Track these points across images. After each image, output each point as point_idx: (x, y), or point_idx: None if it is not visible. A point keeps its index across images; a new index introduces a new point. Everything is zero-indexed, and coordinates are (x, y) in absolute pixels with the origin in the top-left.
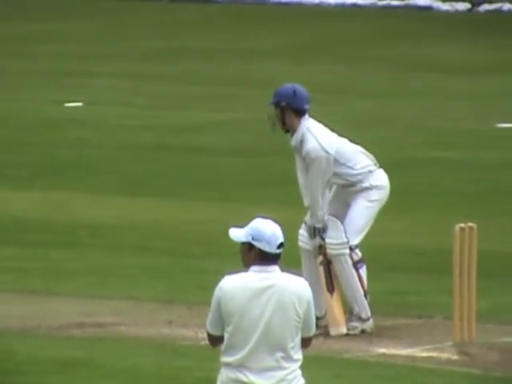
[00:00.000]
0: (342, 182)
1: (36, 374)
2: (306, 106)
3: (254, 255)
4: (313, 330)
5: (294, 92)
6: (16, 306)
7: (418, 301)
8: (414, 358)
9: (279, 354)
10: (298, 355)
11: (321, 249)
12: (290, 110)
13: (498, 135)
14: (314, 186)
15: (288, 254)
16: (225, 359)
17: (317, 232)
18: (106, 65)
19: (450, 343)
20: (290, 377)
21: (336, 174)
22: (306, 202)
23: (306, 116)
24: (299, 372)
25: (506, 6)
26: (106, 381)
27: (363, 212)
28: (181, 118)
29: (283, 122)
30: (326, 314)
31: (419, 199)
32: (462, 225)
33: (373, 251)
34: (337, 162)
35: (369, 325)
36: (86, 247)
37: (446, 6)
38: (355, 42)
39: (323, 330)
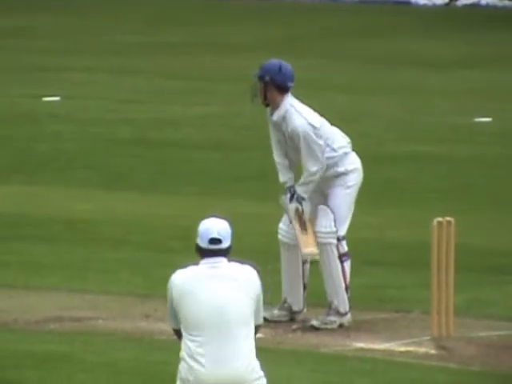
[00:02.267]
0: None
1: (14, 368)
2: (290, 84)
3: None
4: (261, 318)
5: (280, 68)
6: None
7: (395, 295)
8: (391, 353)
9: (234, 343)
10: (252, 345)
11: (297, 211)
12: (273, 86)
13: (475, 130)
14: (309, 160)
15: (266, 248)
16: (182, 349)
17: (296, 198)
18: (83, 59)
19: (428, 337)
20: (247, 367)
21: None
22: (282, 178)
23: (289, 93)
24: (257, 363)
25: (484, 1)
26: (84, 375)
27: (345, 200)
28: (159, 112)
29: (265, 96)
30: (303, 308)
31: (397, 194)
32: (440, 219)
33: (351, 245)
34: (319, 138)
35: (347, 319)
36: (63, 241)
37: (423, 1)
38: (333, 37)
39: (301, 324)
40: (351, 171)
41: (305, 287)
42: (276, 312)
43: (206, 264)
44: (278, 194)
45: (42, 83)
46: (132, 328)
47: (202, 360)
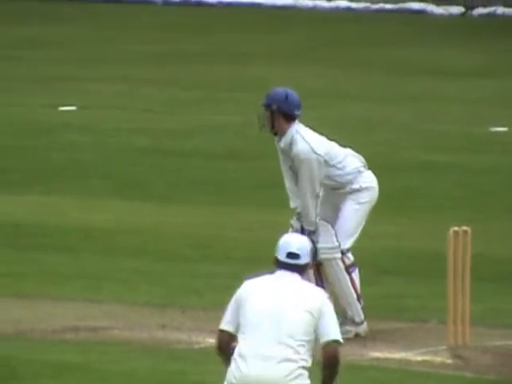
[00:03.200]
0: (331, 183)
1: (31, 378)
2: (297, 112)
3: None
4: (331, 335)
5: (286, 97)
6: (10, 310)
7: (412, 305)
8: (407, 362)
9: (282, 349)
10: (303, 356)
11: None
12: (280, 114)
13: (491, 139)
14: (306, 187)
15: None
16: (236, 349)
17: (306, 234)
18: (99, 69)
19: (444, 347)
20: (291, 373)
21: (325, 176)
22: (293, 204)
23: (296, 121)
24: (305, 373)
25: (500, 10)
26: None
27: (353, 215)
28: (174, 122)
29: (272, 125)
30: None
31: (413, 202)
32: (456, 228)
33: (366, 255)
34: (326, 163)
35: (362, 328)
36: (79, 251)
37: (439, 10)
38: (349, 46)
39: None
40: (365, 188)
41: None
42: None
43: (277, 275)
44: None
45: (59, 93)
46: (148, 338)
47: (249, 357)
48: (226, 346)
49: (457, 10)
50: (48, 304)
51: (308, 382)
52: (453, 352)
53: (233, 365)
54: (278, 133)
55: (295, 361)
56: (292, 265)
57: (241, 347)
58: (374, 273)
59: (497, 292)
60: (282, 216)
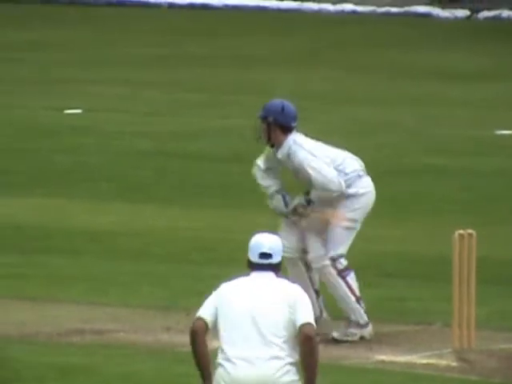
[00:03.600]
0: None
1: (35, 380)
2: (293, 124)
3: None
4: (307, 318)
5: (283, 108)
6: (15, 313)
7: (417, 308)
8: (412, 365)
9: (267, 347)
10: (288, 351)
11: (297, 206)
12: (276, 126)
13: (497, 142)
14: (328, 181)
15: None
16: (218, 357)
17: (308, 200)
18: (104, 72)
19: (449, 350)
20: (279, 370)
21: None
22: (266, 183)
23: (293, 132)
24: (292, 368)
25: (506, 13)
26: None
27: (345, 223)
28: (179, 125)
29: (269, 137)
30: (321, 314)
31: (417, 206)
32: (461, 231)
33: (371, 258)
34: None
35: (368, 331)
36: (84, 254)
37: (445, 13)
38: (354, 49)
39: (322, 336)
40: (361, 195)
41: (317, 293)
42: None
43: (252, 276)
44: None
45: (61, 95)
46: (153, 340)
47: (235, 359)
48: (201, 332)
49: (462, 13)
50: (53, 306)
51: (297, 377)
52: (458, 355)
53: (220, 369)
54: (275, 144)
55: (282, 358)
56: (265, 265)
57: (225, 351)
58: (378, 275)
59: (502, 295)
60: None
